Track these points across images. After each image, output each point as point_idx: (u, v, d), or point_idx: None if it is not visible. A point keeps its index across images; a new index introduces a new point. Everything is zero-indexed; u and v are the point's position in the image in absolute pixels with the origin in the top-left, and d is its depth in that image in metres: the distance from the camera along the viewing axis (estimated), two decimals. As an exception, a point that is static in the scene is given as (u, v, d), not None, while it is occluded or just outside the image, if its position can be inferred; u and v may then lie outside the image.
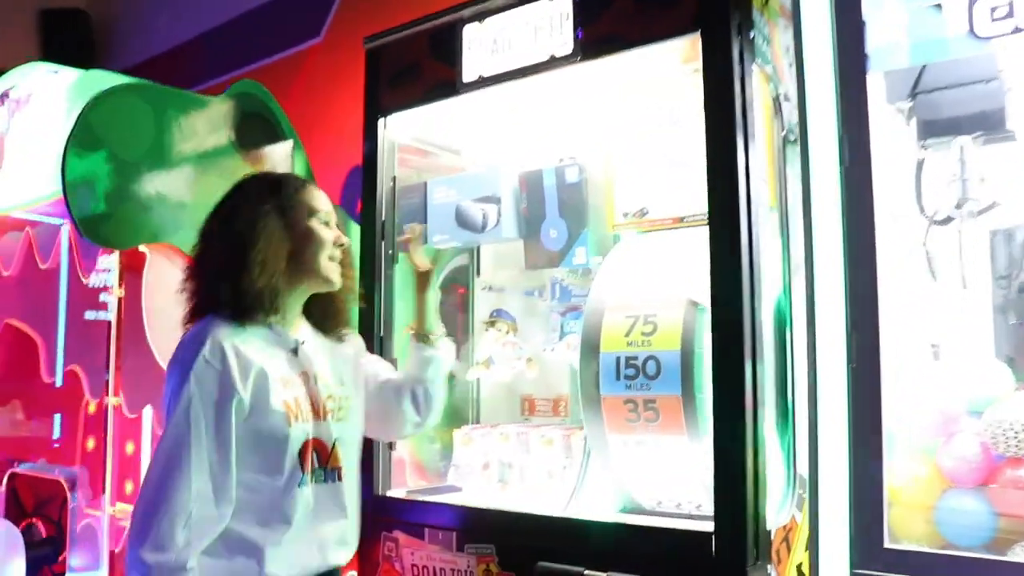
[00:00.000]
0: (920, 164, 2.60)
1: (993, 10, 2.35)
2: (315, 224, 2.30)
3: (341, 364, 2.43)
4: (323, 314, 2.43)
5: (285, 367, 2.23)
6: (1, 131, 4.34)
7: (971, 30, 2.39)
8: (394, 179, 3.39)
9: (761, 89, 2.73)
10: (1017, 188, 2.55)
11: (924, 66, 2.54)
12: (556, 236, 3.22)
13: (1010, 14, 2.27)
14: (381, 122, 3.32)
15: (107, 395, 4.24)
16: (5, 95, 4.30)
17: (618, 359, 2.74)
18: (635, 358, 2.71)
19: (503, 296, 3.68)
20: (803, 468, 2.69)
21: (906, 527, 2.78)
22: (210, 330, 2.13)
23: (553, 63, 2.87)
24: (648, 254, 2.90)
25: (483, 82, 3.03)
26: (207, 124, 3.84)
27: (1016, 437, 2.55)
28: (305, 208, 2.30)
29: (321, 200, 2.35)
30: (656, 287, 2.77)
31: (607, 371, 2.75)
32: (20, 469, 5.06)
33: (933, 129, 2.57)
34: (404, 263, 3.41)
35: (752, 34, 2.57)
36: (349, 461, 2.33)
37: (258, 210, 2.23)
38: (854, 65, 2.46)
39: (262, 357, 2.17)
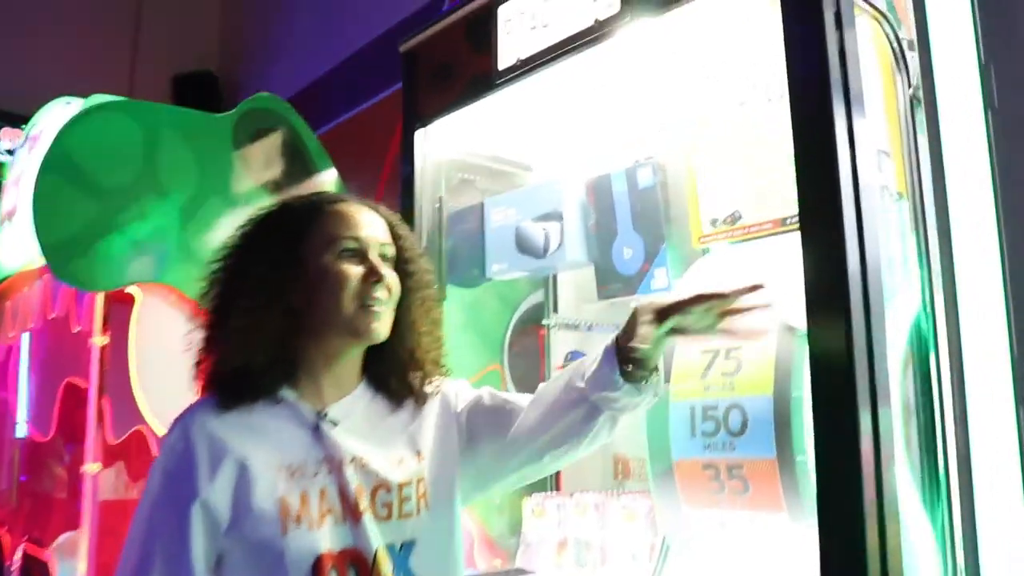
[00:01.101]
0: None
1: None
2: (331, 259, 1.63)
3: (409, 434, 1.73)
4: (385, 372, 1.74)
5: (297, 454, 1.61)
6: (19, 174, 4.11)
7: None
8: (440, 200, 2.84)
9: (874, 35, 2.02)
10: None
11: None
12: (631, 256, 2.57)
13: None
14: (420, 133, 2.79)
15: (83, 464, 3.74)
16: (28, 137, 4.09)
17: (692, 409, 2.05)
18: (714, 407, 2.01)
19: (589, 336, 3.04)
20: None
21: None
22: (190, 412, 1.63)
23: (598, 30, 2.26)
24: (736, 267, 2.20)
25: (523, 67, 2.45)
26: (211, 144, 3.43)
27: None
28: (323, 238, 1.65)
29: (350, 222, 1.66)
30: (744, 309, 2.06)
31: (678, 426, 2.07)
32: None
33: None
34: (452, 300, 2.86)
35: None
36: (430, 569, 1.66)
37: (248, 258, 1.66)
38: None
39: (252, 443, 1.59)
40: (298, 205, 1.72)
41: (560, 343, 3.06)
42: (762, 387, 1.94)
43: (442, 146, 2.89)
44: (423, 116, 2.79)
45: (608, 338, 1.69)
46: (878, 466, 1.66)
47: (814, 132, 1.79)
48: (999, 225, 1.72)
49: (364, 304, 1.62)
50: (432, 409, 1.78)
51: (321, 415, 1.65)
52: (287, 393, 1.64)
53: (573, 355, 2.87)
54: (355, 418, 1.69)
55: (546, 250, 2.68)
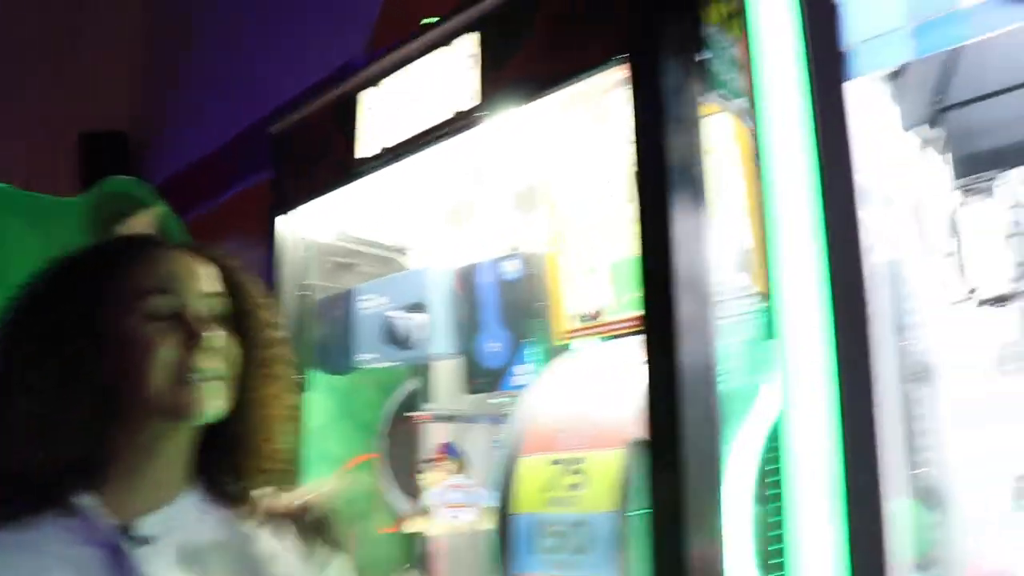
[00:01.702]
0: (955, 218, 1.73)
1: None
2: (136, 322, 1.25)
3: (250, 561, 1.36)
4: (218, 468, 1.38)
5: None
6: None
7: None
8: (308, 286, 2.73)
9: (736, 131, 1.98)
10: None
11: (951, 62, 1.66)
12: (496, 350, 2.47)
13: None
14: (284, 218, 2.69)
15: None
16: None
17: (535, 524, 1.94)
18: (558, 523, 1.90)
19: (466, 428, 2.92)
20: None
21: None
22: None
23: (459, 121, 2.19)
24: (593, 369, 2.12)
25: (386, 156, 2.37)
26: (59, 229, 3.27)
27: None
28: (126, 294, 1.26)
29: (162, 273, 1.29)
30: (593, 416, 1.97)
31: (521, 541, 1.96)
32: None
33: (974, 163, 1.69)
34: (324, 388, 2.75)
35: (704, 56, 1.82)
36: None
37: (33, 323, 1.25)
38: (827, 70, 1.56)
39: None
40: (95, 253, 1.34)
41: (435, 434, 2.94)
42: (606, 501, 1.84)
43: (313, 230, 2.79)
44: (288, 201, 2.70)
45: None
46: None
47: (652, 231, 1.73)
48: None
49: (182, 379, 1.24)
50: (265, 543, 1.40)
51: (125, 531, 1.23)
52: (85, 501, 1.22)
53: (448, 448, 2.75)
54: (176, 534, 1.28)
55: (411, 341, 2.58)
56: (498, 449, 2.16)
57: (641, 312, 1.69)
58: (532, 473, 2.01)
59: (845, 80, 1.47)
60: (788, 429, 1.56)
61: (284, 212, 2.68)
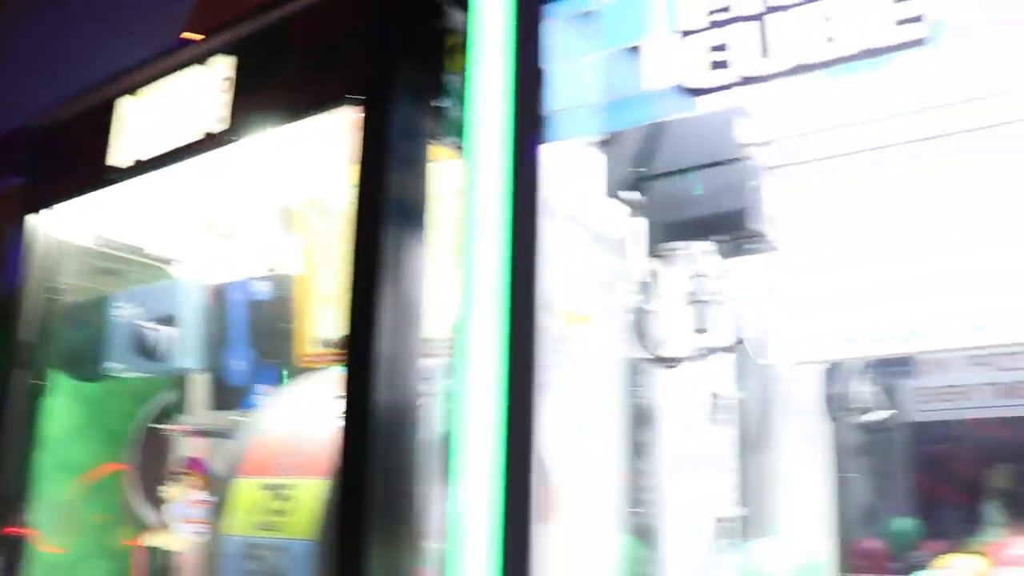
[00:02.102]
0: (648, 283, 1.87)
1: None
2: None
3: None
4: None
5: None
6: None
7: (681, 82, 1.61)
8: (53, 290, 2.65)
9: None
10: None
11: (654, 137, 1.79)
12: (241, 369, 2.48)
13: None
14: (32, 218, 2.60)
15: None
16: None
17: (241, 546, 1.96)
18: (261, 546, 1.93)
19: (218, 443, 2.89)
20: None
21: None
22: None
23: (209, 140, 2.19)
24: (318, 396, 2.15)
25: (139, 168, 2.34)
26: None
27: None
28: None
29: None
30: (307, 444, 2.01)
31: (229, 562, 1.98)
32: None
33: (671, 231, 1.83)
34: (70, 394, 2.69)
35: (443, 103, 1.88)
36: None
37: None
38: (526, 132, 1.65)
39: None
40: None
41: (186, 448, 2.90)
42: (309, 531, 1.89)
43: (68, 232, 2.71)
44: (40, 200, 2.61)
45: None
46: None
47: (363, 268, 1.78)
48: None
49: None
50: None
51: None
52: None
53: (194, 462, 2.73)
54: None
55: (160, 353, 2.55)
56: (219, 469, 2.16)
57: (344, 345, 1.75)
58: (244, 495, 2.03)
59: (544, 142, 1.57)
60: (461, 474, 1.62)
61: (35, 211, 2.60)
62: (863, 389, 2.98)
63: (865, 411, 2.98)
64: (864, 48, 1.37)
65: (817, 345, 2.20)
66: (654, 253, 1.86)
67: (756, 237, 1.77)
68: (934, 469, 3.72)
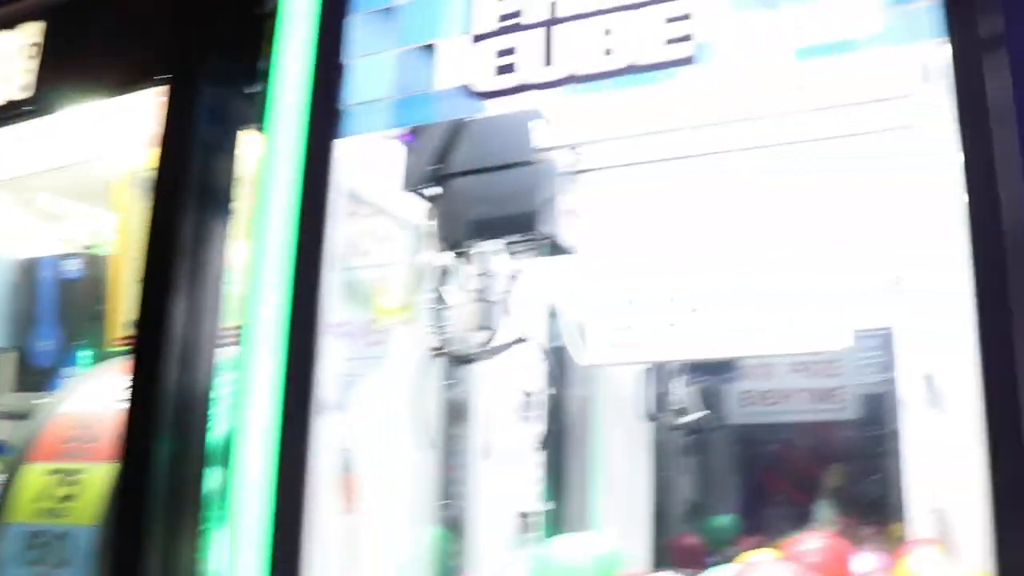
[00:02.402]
0: (442, 279, 1.92)
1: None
2: None
3: None
4: None
5: None
6: None
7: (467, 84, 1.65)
8: None
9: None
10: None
11: (453, 138, 1.83)
12: (47, 349, 2.40)
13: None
14: None
15: None
16: None
17: (23, 534, 1.91)
18: (45, 534, 1.88)
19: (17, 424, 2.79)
20: None
21: None
22: None
23: (12, 110, 2.11)
24: (120, 380, 2.10)
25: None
26: None
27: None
28: None
29: None
30: (99, 429, 1.97)
31: (10, 551, 1.91)
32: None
33: (468, 229, 1.87)
34: None
35: (256, 90, 1.86)
36: None
37: None
38: (322, 124, 1.67)
39: None
40: None
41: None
42: (90, 515, 1.84)
43: None
44: None
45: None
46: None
47: (156, 249, 1.76)
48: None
49: None
50: None
51: None
52: None
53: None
54: None
55: (-40, 330, 2.44)
56: (11, 454, 2.09)
57: (136, 329, 1.72)
58: (30, 481, 1.97)
59: (341, 135, 1.59)
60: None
61: None
62: (680, 391, 3.11)
63: (682, 412, 3.11)
64: (636, 63, 1.44)
65: (623, 348, 2.29)
66: (449, 249, 1.91)
67: (547, 239, 1.83)
68: (757, 468, 3.92)
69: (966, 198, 1.24)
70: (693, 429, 3.39)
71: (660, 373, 3.10)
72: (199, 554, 1.67)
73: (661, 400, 3.15)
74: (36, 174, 2.60)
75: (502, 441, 2.43)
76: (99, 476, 1.90)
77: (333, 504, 2.04)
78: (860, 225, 2.09)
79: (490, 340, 1.86)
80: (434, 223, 1.89)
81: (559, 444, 2.75)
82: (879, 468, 3.00)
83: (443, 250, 1.90)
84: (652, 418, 3.10)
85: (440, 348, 1.89)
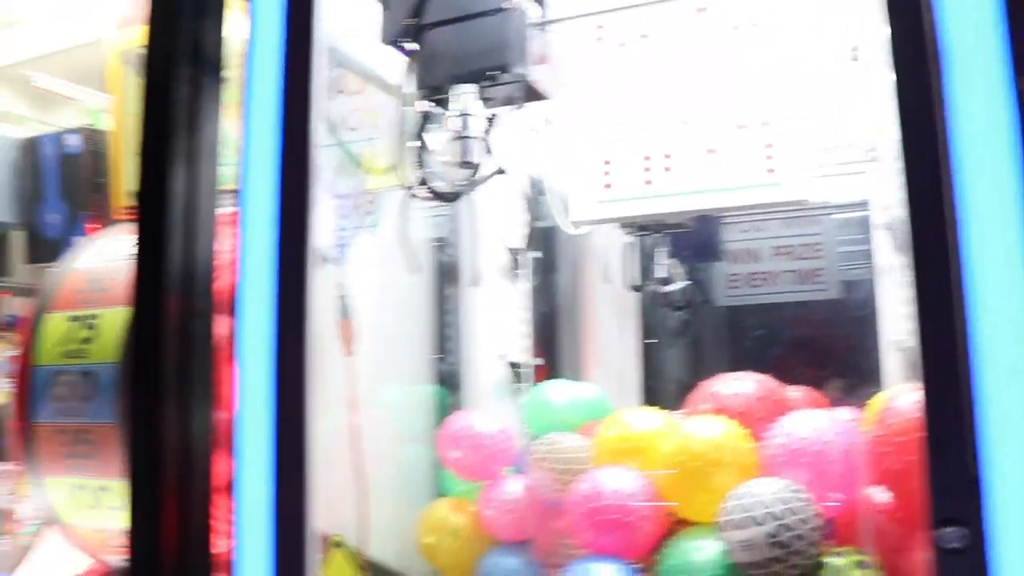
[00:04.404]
0: (424, 122, 2.01)
1: None
2: None
3: None
4: None
5: None
6: None
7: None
8: None
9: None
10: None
11: None
12: (56, 222, 2.52)
13: None
14: None
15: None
16: None
17: (50, 375, 2.06)
18: (68, 373, 2.03)
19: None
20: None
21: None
22: None
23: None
24: (126, 241, 2.23)
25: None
26: None
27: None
28: None
29: None
30: (111, 279, 2.10)
31: (40, 390, 2.07)
32: None
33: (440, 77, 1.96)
34: None
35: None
36: None
37: None
38: None
39: None
40: None
41: (7, 306, 2.94)
42: (111, 353, 1.99)
43: None
44: None
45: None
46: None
47: (151, 113, 1.84)
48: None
49: None
50: None
51: None
52: None
53: (8, 319, 2.77)
54: None
55: (-30, 208, 2.56)
56: (30, 307, 2.22)
57: (139, 195, 1.81)
58: (53, 328, 2.11)
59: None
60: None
61: None
62: (664, 262, 3.22)
63: (666, 282, 3.23)
64: None
65: (603, 207, 2.39)
66: (427, 97, 2.00)
67: (521, 81, 1.93)
68: (743, 348, 4.09)
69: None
70: (679, 305, 3.51)
71: (644, 246, 3.21)
72: (210, 402, 1.80)
73: (645, 271, 3.26)
74: (32, 60, 2.69)
75: (492, 298, 2.57)
76: (114, 320, 2.04)
77: (333, 348, 2.18)
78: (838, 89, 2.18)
79: (473, 174, 1.97)
80: (412, 74, 1.98)
81: (549, 307, 2.88)
82: (859, 344, 3.13)
83: (423, 98, 1.99)
84: (637, 288, 3.22)
85: (425, 185, 2.00)
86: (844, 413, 1.88)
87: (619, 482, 1.72)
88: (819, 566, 1.55)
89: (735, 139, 2.28)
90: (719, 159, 2.30)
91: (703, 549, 1.61)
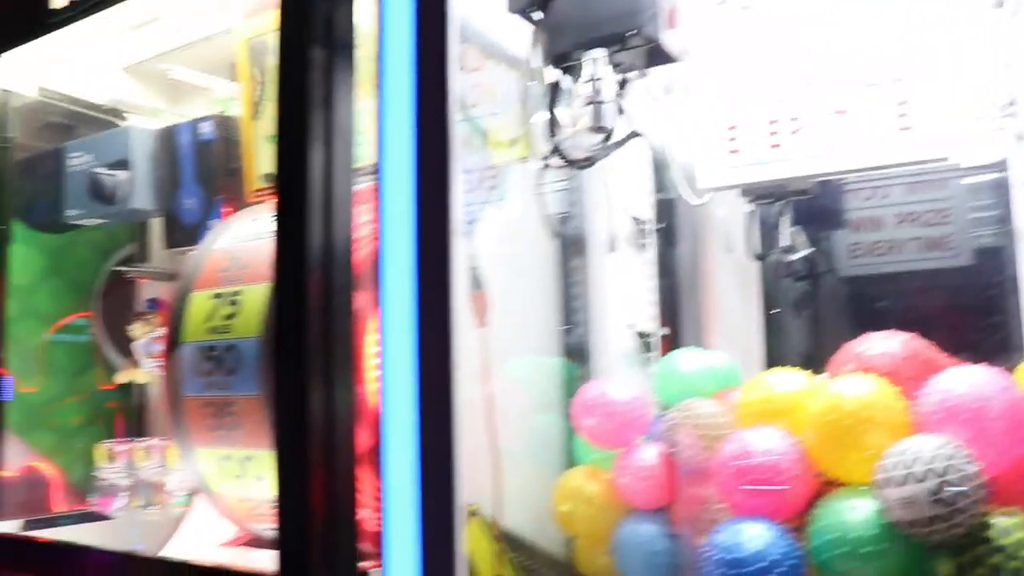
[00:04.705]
0: (554, 92, 2.01)
1: None
2: None
3: None
4: None
5: None
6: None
7: None
8: (5, 140, 2.76)
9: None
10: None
11: None
12: (192, 207, 2.62)
13: None
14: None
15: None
16: None
17: (197, 350, 2.14)
18: (214, 348, 2.11)
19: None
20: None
21: (589, 561, 2.23)
22: None
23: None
24: (267, 220, 2.30)
25: (77, 8, 2.42)
26: None
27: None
28: None
29: None
30: (251, 257, 2.17)
31: (187, 366, 2.15)
32: None
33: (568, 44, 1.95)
34: (32, 244, 2.82)
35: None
36: None
37: None
38: None
39: None
40: None
41: (147, 291, 3.07)
42: (253, 328, 2.06)
43: (13, 83, 2.81)
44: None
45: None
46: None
47: (291, 99, 1.89)
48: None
49: None
50: None
51: None
52: None
53: (152, 303, 2.90)
54: None
55: (115, 197, 2.68)
56: (175, 287, 2.32)
57: (277, 175, 1.87)
58: (197, 306, 2.19)
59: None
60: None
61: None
62: (788, 230, 3.15)
63: (790, 250, 3.16)
64: None
65: (729, 172, 2.36)
66: (556, 65, 1.99)
67: (651, 44, 1.90)
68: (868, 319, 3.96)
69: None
70: (802, 275, 3.43)
71: (765, 215, 3.15)
72: (353, 373, 1.84)
73: (767, 240, 3.20)
74: (165, 54, 2.80)
75: (618, 268, 2.55)
76: (256, 296, 2.11)
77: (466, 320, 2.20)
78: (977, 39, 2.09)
79: (607, 139, 1.96)
80: (539, 44, 1.98)
81: (670, 278, 2.85)
82: (994, 313, 3.00)
83: (551, 66, 1.99)
84: (760, 257, 3.16)
85: (558, 154, 2.00)
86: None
87: (768, 442, 1.69)
88: (984, 526, 1.49)
89: (866, 98, 2.21)
90: (849, 119, 2.24)
91: (857, 508, 1.56)
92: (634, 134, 2.00)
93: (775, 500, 1.65)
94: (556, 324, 2.64)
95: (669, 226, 2.78)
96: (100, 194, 2.71)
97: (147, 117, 2.94)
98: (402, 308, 1.70)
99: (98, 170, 2.71)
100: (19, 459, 2.80)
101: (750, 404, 1.86)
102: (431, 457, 1.66)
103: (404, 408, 1.68)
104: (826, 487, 1.70)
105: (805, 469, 1.68)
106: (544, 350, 2.59)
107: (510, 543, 2.25)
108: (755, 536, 1.59)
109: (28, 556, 2.36)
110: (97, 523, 2.70)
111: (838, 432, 1.63)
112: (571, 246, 2.61)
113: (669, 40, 1.96)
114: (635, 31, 1.86)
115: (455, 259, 1.68)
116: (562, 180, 2.42)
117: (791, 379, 1.89)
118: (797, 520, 1.67)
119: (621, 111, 1.96)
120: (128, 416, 3.08)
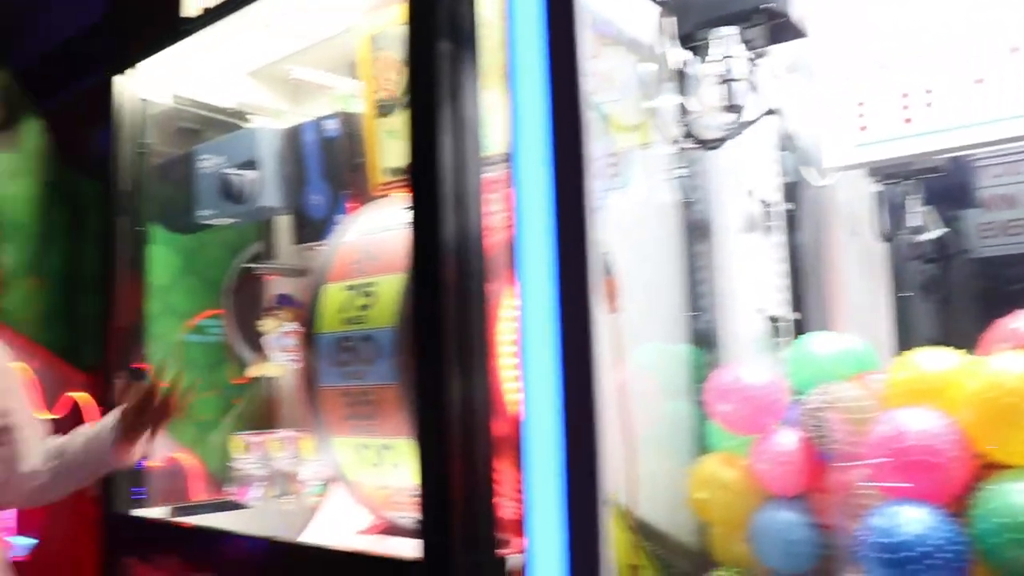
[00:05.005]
0: (682, 74, 1.98)
1: None
2: None
3: None
4: None
5: None
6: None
7: None
8: (144, 146, 2.88)
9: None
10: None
11: None
12: (319, 203, 2.68)
13: None
14: (119, 79, 2.81)
15: None
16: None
17: (333, 341, 2.19)
18: (349, 339, 2.15)
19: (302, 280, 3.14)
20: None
21: (725, 549, 2.20)
22: None
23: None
24: (393, 212, 2.34)
25: (208, 15, 2.51)
26: None
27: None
28: None
29: None
30: (383, 249, 2.21)
31: (323, 357, 2.20)
32: None
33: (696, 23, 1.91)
34: (169, 244, 2.94)
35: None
36: None
37: None
38: None
39: None
40: None
41: (275, 287, 3.16)
42: (388, 318, 2.09)
43: (150, 92, 2.92)
44: (120, 62, 2.82)
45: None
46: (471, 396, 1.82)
47: (421, 89, 1.91)
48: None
49: None
50: None
51: None
52: None
53: (282, 298, 2.98)
54: None
55: (244, 197, 2.76)
56: (308, 280, 2.37)
57: (410, 169, 1.89)
58: (331, 297, 2.24)
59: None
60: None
61: (120, 72, 2.80)
62: (917, 209, 3.04)
63: (919, 231, 3.05)
64: None
65: (859, 149, 2.28)
66: (684, 45, 1.96)
67: (781, 19, 1.85)
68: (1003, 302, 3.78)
69: None
70: (931, 257, 3.30)
71: (892, 196, 3.04)
72: (488, 360, 1.85)
73: (896, 220, 3.09)
74: (287, 56, 2.87)
75: (746, 251, 2.50)
76: (389, 286, 2.14)
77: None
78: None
79: (739, 118, 1.92)
80: (666, 25, 1.95)
81: (795, 262, 2.78)
82: None
83: (678, 47, 1.96)
84: (888, 238, 3.06)
85: (690, 136, 1.97)
86: None
87: (922, 422, 1.63)
88: None
89: (1007, 64, 2.11)
90: (988, 88, 2.13)
91: (1025, 491, 1.49)
92: (769, 111, 1.95)
93: (932, 483, 1.59)
94: (683, 310, 2.60)
95: (791, 209, 2.71)
96: (230, 194, 2.79)
97: (271, 118, 3.01)
98: (541, 296, 1.70)
99: (227, 171, 2.80)
100: (163, 451, 2.93)
101: (898, 384, 1.80)
102: (575, 447, 1.65)
103: (546, 396, 1.68)
104: (984, 470, 1.63)
105: (963, 450, 1.61)
106: (671, 336, 2.56)
107: (644, 532, 2.23)
108: (916, 519, 1.53)
109: (175, 540, 2.47)
110: (235, 511, 2.79)
111: (999, 411, 1.56)
112: (696, 230, 2.57)
113: (796, 13, 1.91)
114: (764, 6, 1.82)
115: (591, 245, 1.67)
116: (685, 165, 2.38)
117: (942, 358, 1.82)
118: (955, 504, 1.60)
119: (754, 88, 1.92)
120: (260, 409, 3.18)
